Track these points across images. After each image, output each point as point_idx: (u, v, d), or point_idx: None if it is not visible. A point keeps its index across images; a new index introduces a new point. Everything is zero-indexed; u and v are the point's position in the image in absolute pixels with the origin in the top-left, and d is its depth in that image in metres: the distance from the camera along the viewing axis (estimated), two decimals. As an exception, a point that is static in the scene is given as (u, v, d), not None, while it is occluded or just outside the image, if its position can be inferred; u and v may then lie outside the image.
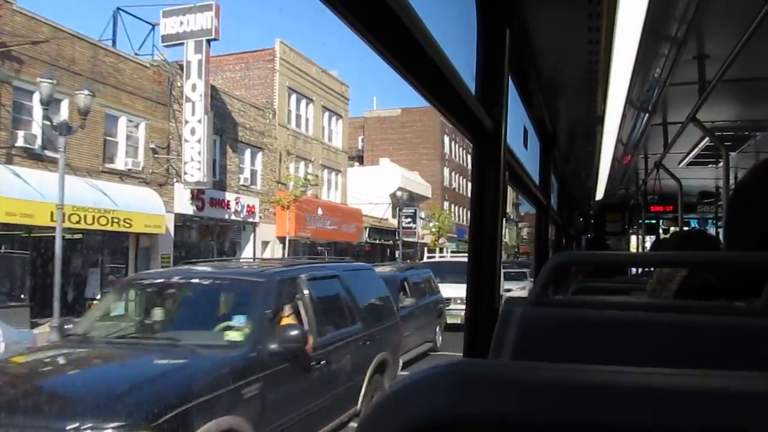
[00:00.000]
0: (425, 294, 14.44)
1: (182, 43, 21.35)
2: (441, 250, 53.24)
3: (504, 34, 1.86)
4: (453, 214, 59.80)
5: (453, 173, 61.65)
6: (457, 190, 62.97)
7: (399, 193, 35.31)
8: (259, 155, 27.23)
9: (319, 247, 31.38)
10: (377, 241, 38.34)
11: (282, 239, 27.95)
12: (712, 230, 8.81)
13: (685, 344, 1.17)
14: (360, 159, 54.64)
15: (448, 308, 15.63)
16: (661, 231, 10.10)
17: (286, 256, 25.71)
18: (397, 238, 37.62)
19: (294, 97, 30.23)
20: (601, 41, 2.39)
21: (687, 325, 1.19)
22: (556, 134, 4.05)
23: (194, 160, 21.26)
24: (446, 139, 59.58)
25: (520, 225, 74.07)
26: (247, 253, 26.43)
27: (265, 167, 27.42)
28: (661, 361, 1.02)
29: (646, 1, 2.00)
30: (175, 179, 21.69)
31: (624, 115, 3.47)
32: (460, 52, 1.55)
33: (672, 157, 5.39)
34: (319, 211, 30.16)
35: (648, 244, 9.81)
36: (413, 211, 39.24)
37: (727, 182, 4.04)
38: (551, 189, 4.39)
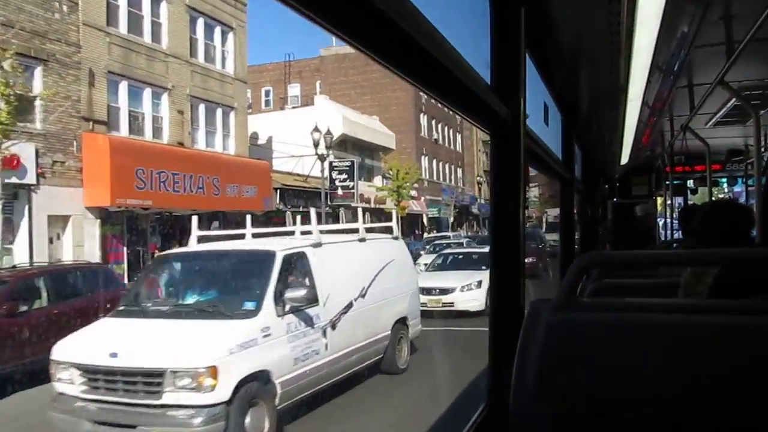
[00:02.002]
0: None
1: None
2: (424, 223, 42.27)
3: (519, 13, 1.81)
4: (434, 171, 48.14)
5: (433, 122, 49.81)
6: (439, 141, 51.12)
7: (318, 136, 24.01)
8: (38, 71, 15.91)
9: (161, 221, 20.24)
10: (301, 208, 27.15)
11: (99, 211, 16.86)
12: (741, 188, 9.84)
13: (721, 347, 1.15)
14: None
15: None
16: (689, 191, 10.37)
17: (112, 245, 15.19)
18: (329, 202, 26.46)
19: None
20: (623, 9, 2.34)
21: (722, 327, 1.17)
22: (578, 105, 4.01)
23: None
24: (422, 79, 47.67)
25: (530, 185, 62.12)
26: (20, 241, 15.53)
27: (48, 89, 16.09)
28: (696, 364, 1.15)
29: None
30: None
31: (649, 80, 3.42)
32: (472, 43, 1.49)
33: (698, 118, 5.30)
34: (175, 165, 18.99)
35: (676, 206, 9.71)
36: (349, 163, 28.02)
37: (758, 141, 4.21)
38: (574, 159, 4.46)
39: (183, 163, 20.12)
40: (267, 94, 50.05)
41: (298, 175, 26.13)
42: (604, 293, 2.45)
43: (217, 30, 23.64)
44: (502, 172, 1.85)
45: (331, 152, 29.00)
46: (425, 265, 18.27)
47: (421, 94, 47.50)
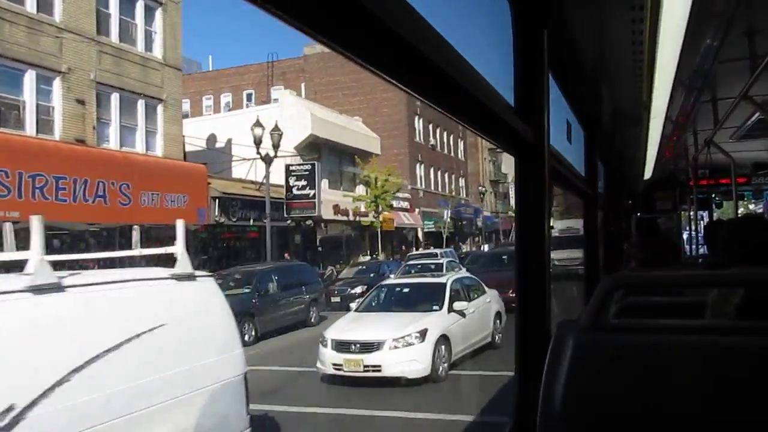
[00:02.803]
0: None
1: None
2: (419, 238, 37.86)
3: (542, 35, 1.84)
4: (431, 181, 43.66)
5: (430, 126, 45.31)
6: (437, 148, 46.51)
7: (260, 132, 19.46)
8: None
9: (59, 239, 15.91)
10: (252, 222, 22.56)
11: None
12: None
13: (751, 368, 1.16)
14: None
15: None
16: (713, 206, 10.17)
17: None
18: (286, 213, 21.90)
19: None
20: (645, 26, 2.36)
21: (751, 349, 1.19)
22: (601, 121, 4.00)
23: None
24: (416, 78, 43.14)
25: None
26: None
27: None
28: (725, 386, 1.18)
29: None
30: None
31: (672, 96, 3.44)
32: (495, 65, 1.51)
33: (722, 132, 5.31)
34: (63, 167, 14.68)
35: (700, 219, 10.02)
36: (309, 167, 23.43)
37: None
38: (598, 176, 4.41)
39: (76, 165, 15.75)
40: (249, 98, 45.94)
41: (250, 182, 21.73)
42: (629, 313, 2.45)
43: (140, 5, 19.38)
44: (527, 193, 1.87)
45: (297, 157, 24.65)
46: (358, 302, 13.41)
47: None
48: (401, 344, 9.59)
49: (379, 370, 9.44)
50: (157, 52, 19.97)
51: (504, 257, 19.39)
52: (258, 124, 19.41)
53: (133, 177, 17.27)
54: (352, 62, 0.84)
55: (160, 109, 19.82)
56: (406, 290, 12.31)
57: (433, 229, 41.98)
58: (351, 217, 28.93)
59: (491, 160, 62.03)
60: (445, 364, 9.94)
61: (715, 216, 10.15)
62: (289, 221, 24.05)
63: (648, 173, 7.58)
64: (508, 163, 67.67)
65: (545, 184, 1.84)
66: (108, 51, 18.08)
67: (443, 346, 9.97)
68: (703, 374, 1.19)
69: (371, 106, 41.71)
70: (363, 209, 27.96)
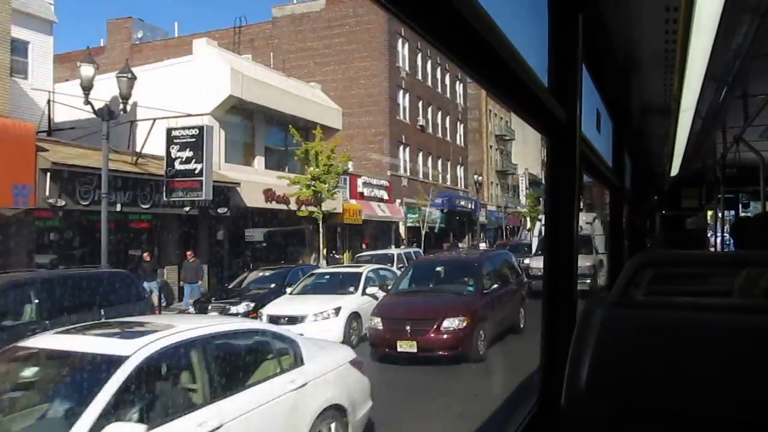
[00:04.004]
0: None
1: None
2: (400, 234, 32.37)
3: (576, 21, 1.86)
4: (419, 168, 37.47)
5: (420, 104, 38.73)
6: (428, 130, 39.97)
7: (90, 73, 13.13)
8: None
9: None
10: (120, 208, 16.25)
11: None
12: None
13: None
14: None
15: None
16: (740, 206, 10.19)
17: None
18: (167, 196, 15.63)
19: None
20: (679, 18, 2.37)
21: None
22: (630, 113, 4.07)
23: None
24: (401, 46, 36.93)
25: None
26: None
27: None
28: (751, 364, 1.17)
29: None
30: None
31: (702, 90, 3.42)
32: (531, 44, 1.51)
33: (752, 130, 5.31)
34: None
35: (726, 220, 9.63)
36: (195, 132, 16.96)
37: None
38: (625, 169, 4.51)
39: None
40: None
41: (114, 151, 15.49)
42: (661, 285, 2.56)
43: None
44: (557, 175, 1.89)
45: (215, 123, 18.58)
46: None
47: (400, 65, 36.20)
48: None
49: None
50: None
51: (445, 269, 13.57)
52: (88, 60, 13.16)
53: None
54: (413, 31, 0.90)
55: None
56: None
57: (419, 224, 35.34)
58: (295, 206, 22.55)
59: (498, 149, 55.04)
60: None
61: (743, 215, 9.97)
62: (189, 208, 17.77)
63: (675, 170, 7.48)
64: (519, 153, 60.61)
65: (576, 167, 1.87)
66: None
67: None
68: (730, 352, 1.18)
69: (347, 77, 35.34)
70: (307, 196, 21.62)
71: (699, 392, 1.21)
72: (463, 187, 44.84)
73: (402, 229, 34.63)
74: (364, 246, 27.44)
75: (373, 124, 34.54)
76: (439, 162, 41.50)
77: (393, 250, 22.81)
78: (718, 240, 10.28)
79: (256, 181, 21.81)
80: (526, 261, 19.75)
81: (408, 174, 36.20)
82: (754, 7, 2.44)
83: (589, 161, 2.46)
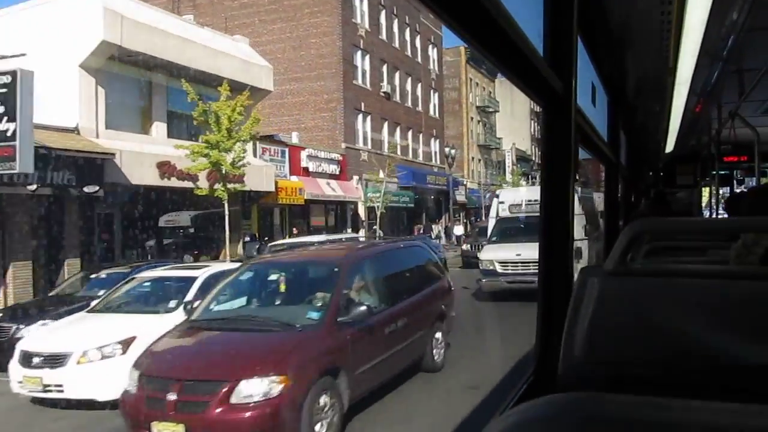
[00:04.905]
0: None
1: None
2: (360, 216, 28.76)
3: None
4: (383, 139, 33.09)
5: (385, 67, 34.34)
6: (395, 98, 35.66)
7: None
8: None
9: None
10: None
11: None
12: None
13: None
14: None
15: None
16: (735, 182, 9.94)
17: None
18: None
19: None
20: None
21: None
22: (625, 89, 4.04)
23: None
24: (359, 0, 32.43)
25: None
26: None
27: None
28: (749, 330, 1.17)
29: None
30: None
31: (697, 65, 3.43)
32: (527, 15, 1.50)
33: (747, 105, 5.25)
34: None
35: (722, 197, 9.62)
36: (5, 83, 12.41)
37: None
38: (620, 145, 4.45)
39: None
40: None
41: None
42: (658, 254, 2.66)
43: None
44: (553, 145, 1.91)
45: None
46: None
47: (358, 21, 31.66)
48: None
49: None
50: None
51: (289, 278, 7.98)
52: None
53: None
54: None
55: None
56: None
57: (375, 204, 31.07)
58: (197, 183, 18.15)
59: (481, 121, 50.45)
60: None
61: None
62: (35, 187, 13.45)
63: (670, 147, 7.52)
64: (507, 128, 56.00)
65: (571, 137, 1.88)
66: None
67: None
68: (726, 318, 1.19)
69: (296, 35, 30.79)
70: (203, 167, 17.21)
71: (694, 358, 1.21)
72: (438, 162, 40.42)
73: (361, 210, 30.26)
74: (295, 232, 23.02)
75: (325, 90, 30.10)
76: (410, 134, 37.07)
77: (316, 237, 18.36)
78: (711, 210, 10.06)
79: (149, 152, 17.39)
80: (481, 254, 15.39)
81: (369, 147, 31.75)
82: None
83: (585, 134, 2.46)
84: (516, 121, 59.05)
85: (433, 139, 40.02)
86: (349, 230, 27.87)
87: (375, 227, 31.30)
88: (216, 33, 22.43)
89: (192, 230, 20.91)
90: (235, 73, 20.44)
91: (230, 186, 17.98)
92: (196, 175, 17.89)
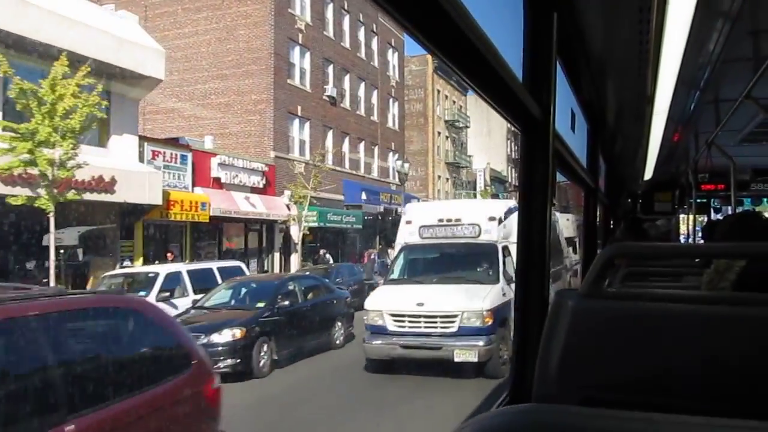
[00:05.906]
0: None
1: None
2: (293, 239, 24.60)
3: (551, 17, 1.87)
4: (328, 151, 28.26)
5: (332, 68, 29.89)
6: (342, 103, 31.19)
7: None
8: None
9: None
10: None
11: None
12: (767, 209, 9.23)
13: (744, 338, 1.16)
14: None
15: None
16: (712, 210, 9.99)
17: None
18: None
19: None
20: (652, 20, 2.38)
21: (745, 318, 1.19)
22: (604, 115, 4.07)
23: None
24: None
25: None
26: None
27: None
28: (721, 355, 1.17)
29: None
30: None
31: (675, 94, 3.45)
32: (506, 39, 1.52)
33: (724, 134, 5.30)
34: None
35: (699, 224, 9.67)
36: None
37: None
38: (599, 171, 4.42)
39: None
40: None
41: None
42: (634, 279, 2.70)
43: None
44: (530, 169, 1.90)
45: None
46: None
47: (296, 13, 27.32)
48: None
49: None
50: None
51: None
52: None
53: None
54: (396, 22, 0.93)
55: None
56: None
57: (321, 225, 26.46)
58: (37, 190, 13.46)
59: (450, 137, 46.15)
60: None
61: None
62: None
63: (648, 174, 7.45)
64: (483, 147, 51.87)
65: (549, 162, 1.87)
66: None
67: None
68: (699, 342, 1.18)
69: (222, 26, 26.33)
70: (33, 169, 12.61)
71: (667, 381, 1.21)
72: (397, 180, 35.92)
73: (294, 232, 25.62)
74: (169, 258, 18.16)
75: (253, 89, 25.63)
76: (361, 146, 32.61)
77: (159, 267, 13.60)
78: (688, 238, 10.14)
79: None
80: (367, 301, 10.53)
81: (307, 158, 27.23)
82: (725, 13, 2.48)
83: (563, 159, 2.46)
84: (493, 141, 55.06)
85: (391, 153, 35.60)
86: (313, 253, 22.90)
87: (323, 251, 26.70)
88: (91, 3, 17.94)
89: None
90: (104, 51, 15.90)
91: (75, 194, 13.34)
92: (36, 178, 13.29)
